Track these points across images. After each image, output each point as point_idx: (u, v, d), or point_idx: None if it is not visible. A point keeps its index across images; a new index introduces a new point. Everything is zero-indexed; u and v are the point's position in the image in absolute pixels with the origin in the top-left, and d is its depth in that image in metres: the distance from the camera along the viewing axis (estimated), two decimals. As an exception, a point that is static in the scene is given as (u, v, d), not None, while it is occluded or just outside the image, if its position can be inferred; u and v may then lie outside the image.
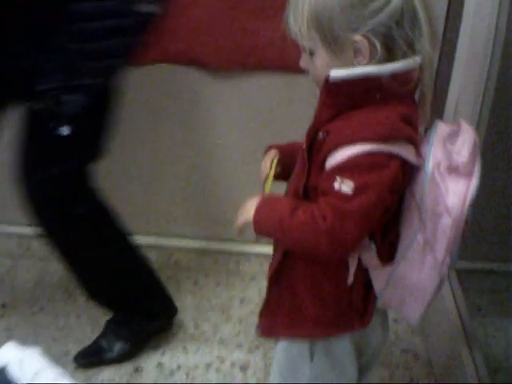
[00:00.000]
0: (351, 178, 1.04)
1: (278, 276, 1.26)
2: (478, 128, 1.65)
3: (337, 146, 1.07)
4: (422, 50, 1.06)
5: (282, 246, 1.23)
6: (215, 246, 2.33)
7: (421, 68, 1.08)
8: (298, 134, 2.08)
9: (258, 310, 2.00)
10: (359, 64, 1.06)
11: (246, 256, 2.29)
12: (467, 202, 1.08)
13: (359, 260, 1.17)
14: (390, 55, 1.05)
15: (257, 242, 1.21)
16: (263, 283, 2.16)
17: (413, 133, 1.10)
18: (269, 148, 1.35)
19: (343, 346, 1.28)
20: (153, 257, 2.24)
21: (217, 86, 2.11)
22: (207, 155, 2.23)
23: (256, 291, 2.13)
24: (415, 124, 1.11)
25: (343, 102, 1.09)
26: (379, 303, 1.23)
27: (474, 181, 1.09)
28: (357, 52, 1.06)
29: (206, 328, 1.97)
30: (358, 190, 1.04)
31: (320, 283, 1.21)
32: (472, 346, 1.68)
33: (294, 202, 1.14)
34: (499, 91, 1.65)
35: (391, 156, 1.06)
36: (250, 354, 1.88)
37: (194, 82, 2.10)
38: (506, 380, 1.70)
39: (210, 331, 1.96)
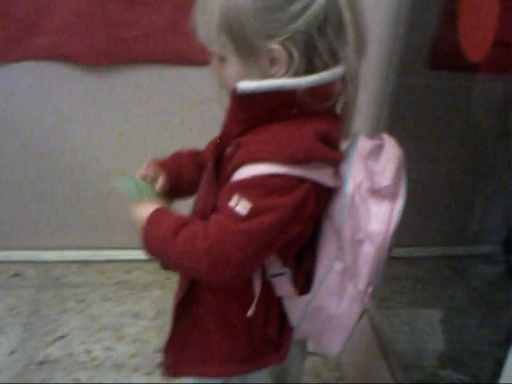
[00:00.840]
0: (250, 198, 0.92)
1: (184, 307, 1.11)
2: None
3: (243, 162, 0.94)
4: (346, 59, 0.93)
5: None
6: (99, 255, 2.15)
7: (344, 79, 0.95)
8: (175, 130, 1.98)
9: (152, 324, 1.90)
10: (275, 74, 0.93)
11: (135, 264, 2.12)
12: (391, 228, 0.97)
13: (273, 289, 1.05)
14: (310, 65, 0.93)
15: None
16: (156, 293, 2.05)
17: (330, 153, 0.97)
18: (151, 164, 1.18)
19: (260, 380, 1.16)
20: (30, 274, 2.05)
21: (88, 83, 1.91)
22: (80, 160, 2.03)
23: (149, 304, 1.98)
24: (335, 141, 0.99)
25: (254, 116, 0.95)
26: (296, 335, 1.11)
27: (399, 204, 0.98)
28: (273, 61, 0.92)
29: (99, 352, 1.79)
30: (253, 213, 0.92)
31: (229, 315, 1.08)
32: (383, 342, 1.62)
33: (181, 220, 1.00)
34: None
35: (301, 180, 0.93)
36: (149, 377, 1.72)
37: (63, 79, 1.89)
38: (417, 375, 1.66)
39: (102, 356, 1.78)
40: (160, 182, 1.15)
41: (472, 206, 1.82)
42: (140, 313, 1.94)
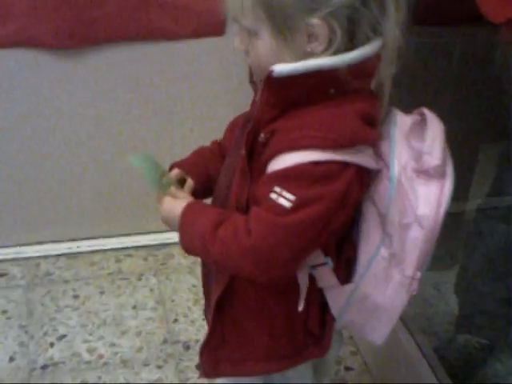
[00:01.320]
0: (293, 189, 0.86)
1: (223, 304, 1.04)
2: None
3: (282, 150, 0.87)
4: (386, 31, 0.86)
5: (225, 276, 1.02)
6: (86, 246, 2.05)
7: (379, 53, 0.88)
8: (162, 110, 1.89)
9: (154, 315, 1.83)
10: (313, 51, 0.86)
11: (125, 252, 2.04)
12: (442, 210, 0.91)
13: (313, 280, 0.99)
14: (351, 41, 0.86)
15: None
16: (152, 281, 1.97)
17: (373, 134, 0.91)
18: (172, 167, 1.11)
19: (302, 375, 1.11)
20: (16, 272, 1.95)
21: (62, 68, 1.80)
22: (56, 149, 1.92)
23: (146, 293, 1.90)
24: (375, 121, 0.92)
25: (290, 99, 0.88)
26: (338, 326, 1.06)
27: (449, 183, 0.92)
28: (311, 37, 0.85)
29: (103, 349, 1.72)
30: (298, 205, 0.86)
31: (270, 310, 1.03)
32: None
33: (220, 215, 0.94)
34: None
35: (346, 165, 0.87)
36: (161, 371, 1.66)
37: (34, 66, 1.77)
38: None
39: (108, 353, 1.71)
40: (188, 185, 1.07)
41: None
42: (139, 303, 1.86)
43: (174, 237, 2.02)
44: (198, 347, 1.68)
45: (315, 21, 0.83)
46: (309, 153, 0.86)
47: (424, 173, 0.92)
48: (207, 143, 1.16)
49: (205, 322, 1.74)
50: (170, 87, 1.88)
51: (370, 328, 1.04)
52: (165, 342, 1.74)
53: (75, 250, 2.04)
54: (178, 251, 2.04)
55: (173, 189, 1.03)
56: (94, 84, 1.83)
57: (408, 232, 0.93)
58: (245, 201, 0.94)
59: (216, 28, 1.82)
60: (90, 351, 1.71)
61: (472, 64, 1.80)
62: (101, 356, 1.69)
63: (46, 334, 1.74)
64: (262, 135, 0.90)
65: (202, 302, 1.80)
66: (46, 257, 2.01)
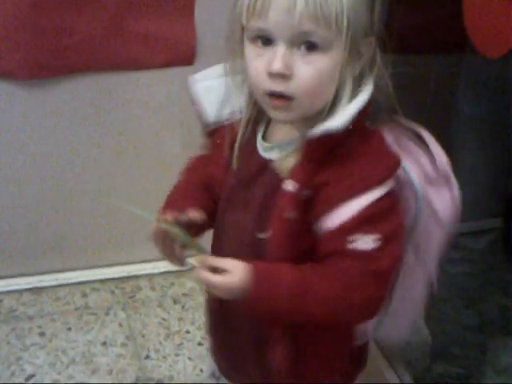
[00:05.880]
0: (373, 231, 0.85)
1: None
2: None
3: (340, 201, 0.86)
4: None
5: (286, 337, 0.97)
6: (51, 280, 1.99)
7: None
8: (130, 141, 1.85)
9: (125, 351, 1.78)
10: (363, 74, 0.87)
11: (91, 285, 1.99)
12: (458, 212, 0.95)
13: None
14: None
15: None
16: (121, 316, 1.92)
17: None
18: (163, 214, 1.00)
19: None
20: (-23, 311, 1.87)
21: (29, 100, 1.74)
22: (20, 181, 1.86)
23: (116, 327, 1.85)
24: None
25: (334, 147, 0.87)
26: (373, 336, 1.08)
27: (455, 186, 0.95)
28: (361, 59, 0.87)
29: (72, 390, 1.66)
30: (383, 243, 0.86)
31: (327, 349, 1.02)
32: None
33: (296, 271, 0.89)
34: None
35: (393, 190, 0.89)
36: (135, 410, 1.62)
37: (3, 97, 1.72)
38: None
39: (77, 393, 1.65)
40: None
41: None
42: (108, 339, 1.81)
43: (141, 268, 2.02)
44: (171, 384, 1.67)
45: (371, 39, 0.85)
46: (369, 194, 0.86)
47: (434, 180, 0.93)
48: (178, 173, 1.10)
49: (178, 358, 1.74)
50: (140, 116, 1.85)
51: (391, 326, 1.04)
52: (137, 380, 1.70)
53: (39, 284, 1.97)
54: (145, 283, 2.01)
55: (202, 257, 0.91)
56: (65, 113, 1.79)
57: (431, 235, 0.95)
58: (298, 255, 0.91)
59: (186, 57, 1.80)
60: (61, 392, 1.65)
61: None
62: (72, 397, 1.64)
63: (13, 374, 1.68)
64: (305, 192, 0.87)
65: (174, 336, 1.82)
66: (8, 292, 1.94)
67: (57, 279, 1.98)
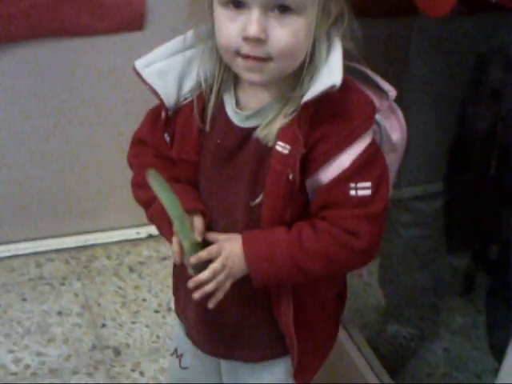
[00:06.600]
0: (365, 178, 0.88)
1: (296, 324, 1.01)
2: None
3: (335, 153, 0.88)
4: None
5: (287, 290, 0.98)
6: (4, 251, 1.96)
7: None
8: (80, 109, 1.82)
9: (81, 320, 1.77)
10: (333, 33, 0.88)
11: (46, 255, 1.96)
12: (405, 135, 1.01)
13: None
14: None
15: None
16: (76, 286, 1.91)
17: None
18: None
19: None
20: None
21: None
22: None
23: (72, 297, 1.84)
24: None
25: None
26: None
27: (400, 112, 1.00)
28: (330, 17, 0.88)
29: (29, 360, 1.65)
30: (375, 187, 0.90)
31: (325, 299, 1.06)
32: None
33: (292, 231, 0.92)
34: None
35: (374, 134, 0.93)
36: (91, 378, 1.61)
37: None
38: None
39: (34, 363, 1.64)
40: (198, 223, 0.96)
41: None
42: (64, 309, 1.80)
43: (96, 238, 2.00)
44: (128, 351, 1.67)
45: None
46: (360, 143, 0.88)
47: (383, 111, 0.96)
48: (130, 134, 1.08)
49: (134, 325, 1.74)
50: (89, 83, 1.82)
51: None
52: (94, 348, 1.69)
53: (-8, 255, 1.95)
54: (101, 253, 1.99)
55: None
56: (13, 81, 1.75)
57: (389, 161, 0.97)
58: (288, 218, 0.92)
59: (136, 22, 1.77)
60: (16, 362, 1.63)
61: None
62: (27, 366, 1.63)
63: (-33, 346, 1.66)
64: (297, 152, 0.88)
65: (130, 304, 1.81)
66: (-40, 264, 1.92)
67: (10, 250, 1.96)
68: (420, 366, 1.63)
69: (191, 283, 0.92)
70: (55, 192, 1.94)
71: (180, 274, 1.05)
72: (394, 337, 1.67)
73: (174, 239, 0.93)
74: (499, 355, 0.94)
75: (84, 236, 2.01)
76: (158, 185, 0.89)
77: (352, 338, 1.54)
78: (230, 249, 0.92)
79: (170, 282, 1.80)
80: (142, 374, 1.63)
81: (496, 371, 0.95)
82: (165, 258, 1.96)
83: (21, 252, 1.96)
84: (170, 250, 1.93)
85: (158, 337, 1.72)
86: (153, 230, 1.94)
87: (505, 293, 1.57)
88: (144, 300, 1.83)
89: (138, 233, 2.03)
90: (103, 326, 1.75)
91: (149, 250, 2.00)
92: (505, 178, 1.69)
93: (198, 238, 0.92)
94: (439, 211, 1.68)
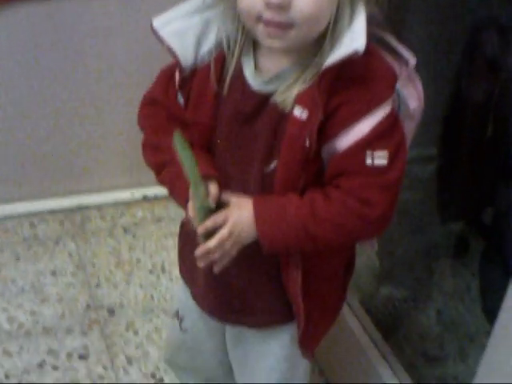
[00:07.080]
0: (383, 147, 0.87)
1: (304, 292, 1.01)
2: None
3: (354, 120, 0.87)
4: None
5: (296, 259, 0.98)
6: (-1, 210, 1.96)
7: None
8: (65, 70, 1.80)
9: (75, 280, 1.77)
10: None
11: (40, 216, 1.96)
12: (422, 103, 1.00)
13: None
14: None
15: None
16: (70, 246, 1.90)
17: None
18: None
19: None
20: None
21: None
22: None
23: (66, 257, 1.84)
24: None
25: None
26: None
27: (419, 81, 0.99)
28: None
29: (23, 318, 1.65)
30: (392, 156, 0.89)
31: (335, 269, 1.07)
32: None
33: (304, 198, 0.91)
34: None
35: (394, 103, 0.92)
36: (85, 338, 1.62)
37: None
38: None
39: (28, 321, 1.64)
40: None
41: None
42: (58, 269, 1.80)
43: (90, 199, 1.99)
44: (122, 311, 1.68)
45: None
46: (380, 110, 0.87)
47: (402, 79, 0.94)
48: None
49: (128, 285, 1.75)
50: (88, 44, 1.79)
51: None
52: (88, 307, 1.70)
53: (-15, 215, 1.94)
54: (95, 214, 1.99)
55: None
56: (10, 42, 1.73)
57: (406, 129, 0.97)
58: (302, 185, 0.92)
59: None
60: (10, 320, 1.64)
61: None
62: (21, 325, 1.63)
63: (-39, 304, 1.66)
64: (315, 118, 0.87)
65: (124, 264, 1.81)
66: (-46, 224, 1.91)
67: (4, 210, 1.95)
68: (413, 327, 1.64)
69: (198, 252, 0.91)
70: (49, 153, 1.93)
71: (188, 236, 1.03)
72: (388, 298, 1.68)
73: (190, 204, 0.92)
74: (492, 318, 0.94)
75: (78, 197, 2.00)
76: (182, 149, 0.88)
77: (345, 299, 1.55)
78: (238, 214, 0.91)
79: (164, 243, 1.86)
80: (136, 333, 1.63)
81: (488, 334, 0.95)
82: (159, 220, 1.95)
83: (15, 212, 1.95)
84: (164, 212, 1.97)
85: (151, 297, 1.73)
86: (147, 191, 1.98)
87: (499, 256, 1.57)
88: (138, 260, 1.83)
89: (132, 194, 2.02)
90: (97, 285, 1.76)
91: (143, 212, 1.99)
92: (501, 143, 1.69)
93: (212, 205, 0.91)
94: (434, 175, 1.68)
